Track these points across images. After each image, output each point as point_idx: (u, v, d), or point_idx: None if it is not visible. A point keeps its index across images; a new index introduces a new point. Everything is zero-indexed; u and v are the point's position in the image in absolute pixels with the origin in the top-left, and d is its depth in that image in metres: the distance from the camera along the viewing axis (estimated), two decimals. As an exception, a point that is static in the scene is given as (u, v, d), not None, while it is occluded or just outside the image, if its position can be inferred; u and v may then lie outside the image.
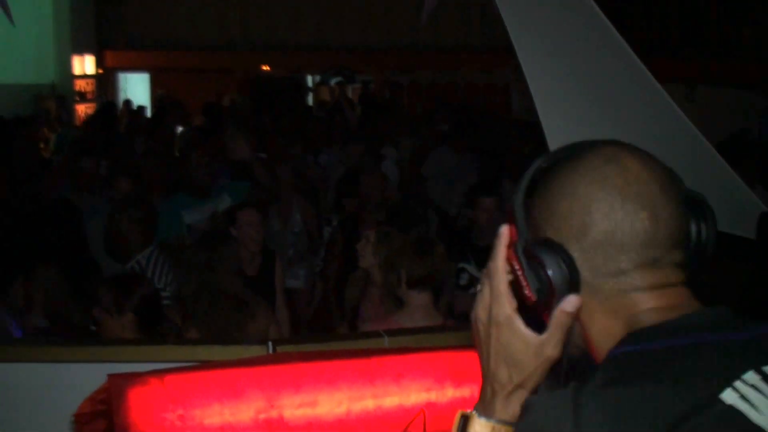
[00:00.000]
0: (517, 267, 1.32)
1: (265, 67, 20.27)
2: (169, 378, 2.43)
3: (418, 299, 3.86)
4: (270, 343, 2.91)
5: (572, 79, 3.03)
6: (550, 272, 1.28)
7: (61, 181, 7.08)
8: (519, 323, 1.33)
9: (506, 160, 8.43)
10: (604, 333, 1.31)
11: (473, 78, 20.44)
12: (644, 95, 3.16)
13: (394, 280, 3.92)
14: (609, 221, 1.28)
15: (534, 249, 1.30)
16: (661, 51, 14.29)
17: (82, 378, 2.63)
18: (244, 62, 19.67)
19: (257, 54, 19.63)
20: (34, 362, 3.03)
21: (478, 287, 1.40)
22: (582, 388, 1.20)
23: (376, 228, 4.70)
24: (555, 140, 2.94)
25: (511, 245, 1.35)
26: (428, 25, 15.47)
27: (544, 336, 1.32)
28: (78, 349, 3.05)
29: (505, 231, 1.38)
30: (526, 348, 1.32)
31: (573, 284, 1.28)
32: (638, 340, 1.25)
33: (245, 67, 19.75)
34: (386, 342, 2.93)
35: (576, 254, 1.29)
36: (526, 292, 1.31)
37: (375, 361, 2.61)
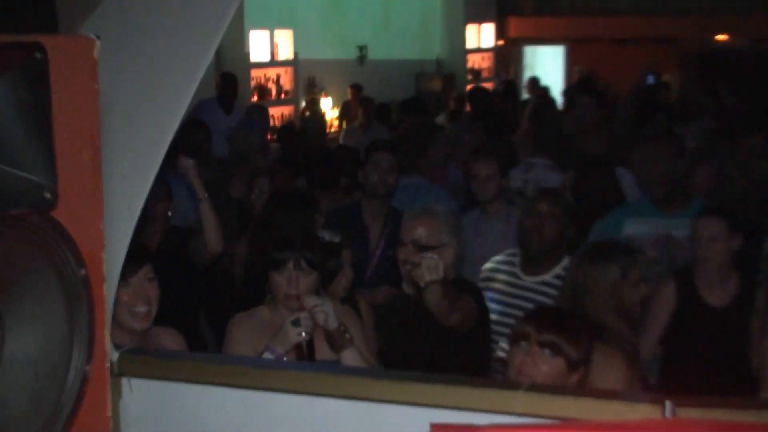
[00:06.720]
0: None
1: (721, 36, 18.01)
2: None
3: None
4: (668, 404, 2.40)
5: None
6: None
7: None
8: None
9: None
10: None
11: None
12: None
13: None
14: None
15: None
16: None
17: (400, 424, 2.56)
18: (691, 29, 17.52)
19: (710, 19, 17.31)
20: (336, 398, 2.68)
21: None
22: None
23: None
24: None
25: None
26: None
27: None
28: (397, 385, 2.66)
29: None
30: None
31: None
32: None
33: (691, 35, 17.70)
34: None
35: None
36: None
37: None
